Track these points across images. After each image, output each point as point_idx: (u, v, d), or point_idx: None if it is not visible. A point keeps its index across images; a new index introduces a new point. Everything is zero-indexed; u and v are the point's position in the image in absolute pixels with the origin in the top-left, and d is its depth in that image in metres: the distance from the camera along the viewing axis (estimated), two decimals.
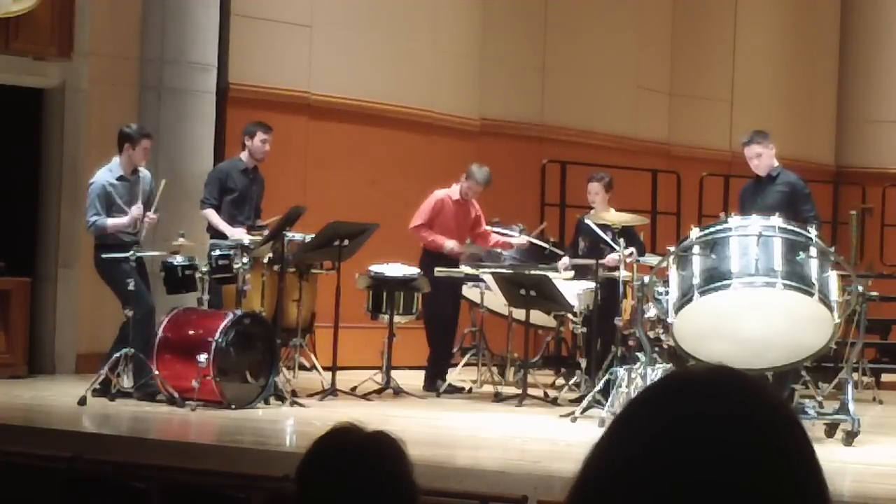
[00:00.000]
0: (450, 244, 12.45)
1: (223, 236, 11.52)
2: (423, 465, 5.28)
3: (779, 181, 10.49)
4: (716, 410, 1.38)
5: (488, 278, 12.08)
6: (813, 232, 9.62)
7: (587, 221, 12.09)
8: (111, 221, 11.06)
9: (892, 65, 19.00)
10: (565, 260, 12.49)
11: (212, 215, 11.74)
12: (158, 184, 11.29)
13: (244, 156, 11.92)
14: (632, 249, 11.16)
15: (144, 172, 11.35)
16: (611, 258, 11.68)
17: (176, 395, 10.43)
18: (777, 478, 1.36)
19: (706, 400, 1.39)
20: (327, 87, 14.51)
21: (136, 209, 11.09)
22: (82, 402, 10.46)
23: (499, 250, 12.99)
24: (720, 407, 1.38)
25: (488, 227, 12.93)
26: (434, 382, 12.41)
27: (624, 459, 1.37)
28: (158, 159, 12.84)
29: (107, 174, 11.14)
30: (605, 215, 11.88)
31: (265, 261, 11.43)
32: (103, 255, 10.99)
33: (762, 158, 10.56)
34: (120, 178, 11.16)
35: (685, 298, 9.32)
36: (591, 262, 11.82)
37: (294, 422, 10.36)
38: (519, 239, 12.88)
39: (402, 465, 2.96)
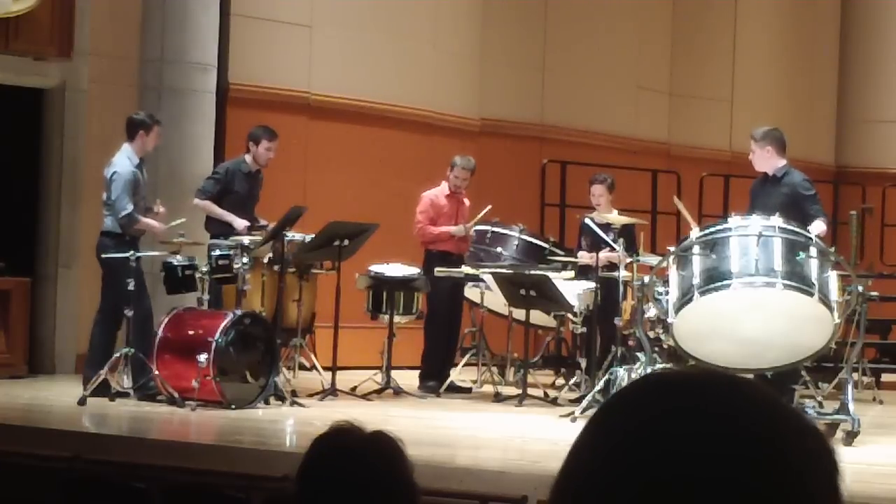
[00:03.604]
0: (455, 228, 12.50)
1: (223, 235, 11.50)
2: (423, 465, 5.28)
3: (783, 182, 10.43)
4: (695, 407, 1.37)
5: (488, 278, 12.08)
6: (820, 228, 9.63)
7: (587, 221, 12.10)
8: (143, 219, 11.10)
9: (892, 65, 19.01)
10: (583, 253, 12.42)
11: (212, 206, 11.75)
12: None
13: (248, 158, 11.93)
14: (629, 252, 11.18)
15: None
16: (602, 255, 11.67)
17: (176, 395, 10.42)
18: (763, 475, 1.35)
19: (685, 396, 1.38)
20: (327, 87, 14.51)
21: (161, 226, 11.17)
22: (82, 402, 10.46)
23: (499, 249, 12.97)
24: (700, 404, 1.37)
25: (486, 227, 12.96)
26: (427, 384, 12.37)
27: (600, 455, 1.37)
28: (158, 159, 12.84)
29: (128, 162, 11.16)
30: (607, 215, 11.89)
31: (265, 261, 11.43)
32: (103, 255, 10.99)
33: (753, 157, 10.52)
34: (137, 165, 11.23)
35: (685, 298, 9.32)
36: (592, 272, 11.83)
37: (294, 422, 10.36)
38: (457, 229, 12.73)
39: (401, 465, 2.96)
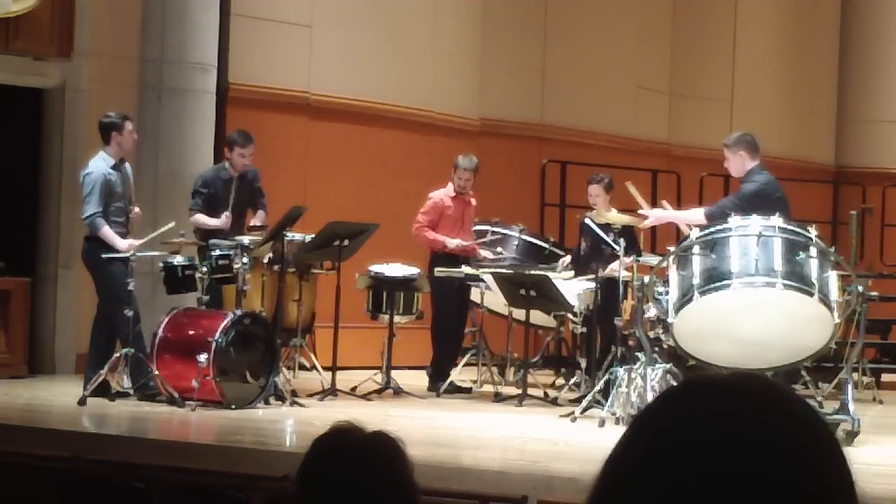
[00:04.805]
0: (453, 242, 12.48)
1: (218, 237, 11.43)
2: (423, 465, 5.28)
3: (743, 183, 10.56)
4: (736, 412, 1.38)
5: (488, 278, 12.08)
6: (696, 214, 9.67)
7: (587, 221, 12.10)
8: (107, 230, 11.00)
9: (892, 65, 19.00)
10: (566, 258, 12.57)
11: (202, 219, 11.62)
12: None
13: (227, 164, 11.81)
14: (633, 256, 11.16)
15: (127, 165, 11.35)
16: (611, 268, 11.65)
17: (176, 395, 10.42)
18: (800, 479, 1.35)
19: (727, 402, 1.39)
20: (327, 87, 14.50)
21: (130, 243, 11.04)
22: (82, 402, 10.46)
23: (499, 249, 12.98)
24: (741, 409, 1.38)
25: (486, 227, 12.98)
26: (437, 385, 12.41)
27: (642, 460, 1.37)
28: (158, 159, 12.85)
29: (103, 164, 11.12)
30: (607, 215, 11.89)
31: (265, 261, 11.42)
32: (104, 255, 10.97)
33: (728, 164, 10.60)
34: (114, 168, 11.16)
35: (685, 298, 9.32)
36: (592, 272, 11.81)
37: (294, 422, 10.36)
38: (455, 243, 12.68)
39: (401, 465, 2.96)
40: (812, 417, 1.40)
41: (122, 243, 11.00)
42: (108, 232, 11.00)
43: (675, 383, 1.59)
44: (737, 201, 10.34)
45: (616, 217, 11.85)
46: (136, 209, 11.23)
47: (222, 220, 11.52)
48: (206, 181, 11.80)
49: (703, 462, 1.34)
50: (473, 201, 12.79)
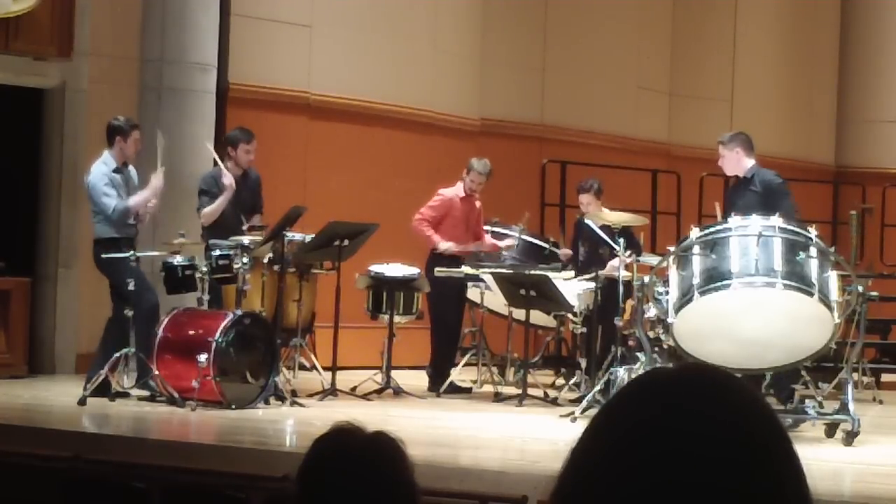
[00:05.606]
0: (444, 245, 12.47)
1: (221, 236, 11.42)
2: (424, 465, 5.28)
3: (753, 182, 10.59)
4: (691, 408, 1.38)
5: (488, 278, 12.08)
6: (778, 220, 9.69)
7: (587, 221, 12.10)
8: (132, 200, 11.05)
9: (892, 65, 19.00)
10: (568, 251, 12.57)
11: (211, 205, 11.55)
12: (156, 142, 11.27)
13: (229, 164, 11.75)
14: (630, 252, 11.16)
15: (131, 168, 11.34)
16: (611, 266, 11.66)
17: (176, 395, 10.42)
18: (755, 473, 1.36)
19: (682, 398, 1.39)
20: (327, 87, 14.51)
21: (156, 179, 11.08)
22: (82, 402, 10.46)
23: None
24: (696, 405, 1.39)
25: (486, 227, 12.98)
26: (437, 384, 12.40)
27: (602, 458, 1.38)
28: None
29: (103, 167, 11.12)
30: (604, 215, 11.89)
31: (265, 261, 11.41)
32: (103, 255, 10.98)
33: (723, 161, 10.67)
34: (115, 171, 11.15)
35: (685, 298, 9.32)
36: (592, 274, 11.82)
37: (294, 422, 10.36)
38: (508, 241, 12.83)
39: (402, 466, 2.96)
40: (771, 417, 1.41)
41: (145, 192, 11.06)
42: (133, 203, 11.05)
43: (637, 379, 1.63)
44: (787, 199, 10.41)
45: (614, 216, 11.85)
46: (154, 200, 11.20)
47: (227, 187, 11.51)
48: (208, 182, 11.79)
49: (660, 463, 1.35)
50: (478, 203, 12.79)
